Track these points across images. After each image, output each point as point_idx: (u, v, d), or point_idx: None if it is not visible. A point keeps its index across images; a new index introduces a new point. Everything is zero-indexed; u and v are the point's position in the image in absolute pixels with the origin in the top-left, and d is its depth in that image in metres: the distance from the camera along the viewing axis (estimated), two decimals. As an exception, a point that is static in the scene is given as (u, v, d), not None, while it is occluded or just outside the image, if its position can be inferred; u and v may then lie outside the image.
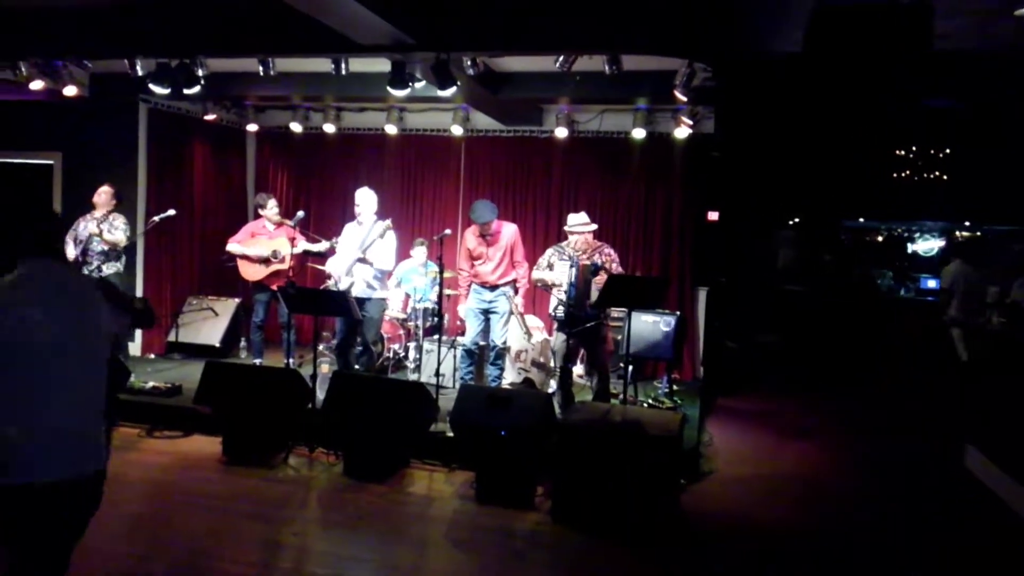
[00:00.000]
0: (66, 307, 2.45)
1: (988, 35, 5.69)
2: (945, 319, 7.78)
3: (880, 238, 14.12)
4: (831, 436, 7.10)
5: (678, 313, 7.15)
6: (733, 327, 9.37)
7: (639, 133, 7.90)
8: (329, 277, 6.83)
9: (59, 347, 2.40)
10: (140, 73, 6.43)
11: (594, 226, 6.37)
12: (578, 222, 6.30)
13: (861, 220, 13.65)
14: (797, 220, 13.15)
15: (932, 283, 12.34)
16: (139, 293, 8.05)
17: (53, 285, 2.46)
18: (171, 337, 8.25)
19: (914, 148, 11.32)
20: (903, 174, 11.49)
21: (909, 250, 13.77)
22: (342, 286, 6.49)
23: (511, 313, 6.81)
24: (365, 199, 6.70)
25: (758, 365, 9.62)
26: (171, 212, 7.29)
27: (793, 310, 11.55)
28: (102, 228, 6.88)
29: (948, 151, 11.24)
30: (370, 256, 6.45)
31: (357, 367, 6.68)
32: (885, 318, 11.25)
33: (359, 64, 6.44)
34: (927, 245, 13.68)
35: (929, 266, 13.14)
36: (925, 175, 11.43)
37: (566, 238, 6.42)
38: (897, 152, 11.45)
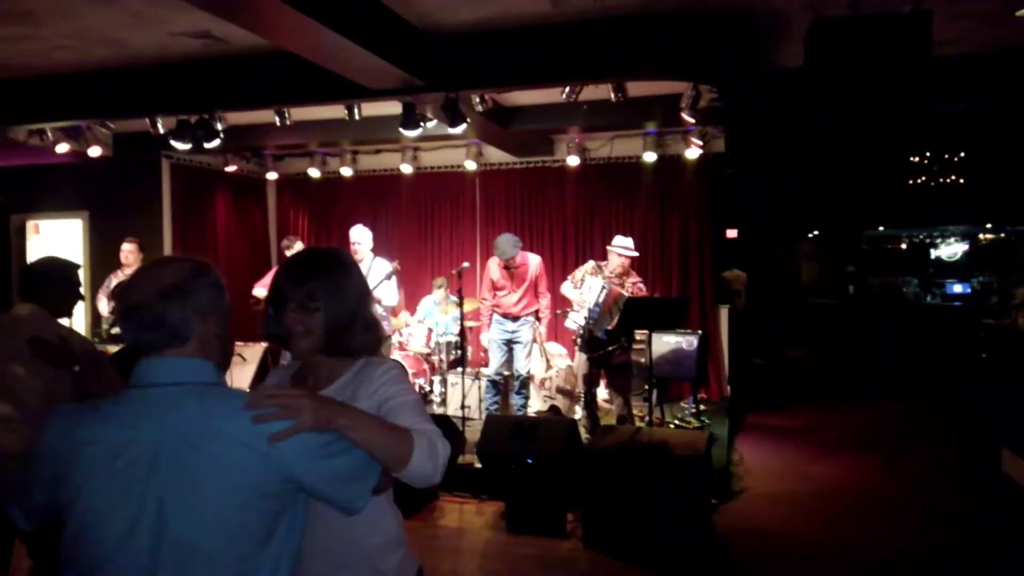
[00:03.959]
0: None
1: (991, 37, 5.73)
2: None
3: (903, 246, 13.99)
4: (864, 449, 7.02)
5: (700, 332, 7.14)
6: (758, 343, 9.33)
7: (650, 156, 7.97)
8: None
9: None
10: (161, 131, 6.64)
11: (635, 253, 6.47)
12: (623, 244, 6.38)
13: (881, 228, 13.55)
14: (816, 233, 13.09)
15: (958, 288, 12.18)
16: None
17: None
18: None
19: (928, 154, 11.28)
20: (919, 180, 11.45)
21: (932, 256, 13.61)
22: None
23: (534, 342, 6.86)
24: (364, 236, 6.75)
25: (786, 381, 9.55)
26: (197, 262, 7.44)
27: (819, 323, 11.47)
28: None
29: (963, 154, 11.18)
30: (377, 294, 6.51)
31: None
32: (913, 326, 11.13)
33: (372, 108, 6.60)
34: (950, 250, 13.52)
35: (953, 271, 12.99)
36: (941, 180, 11.37)
37: (601, 258, 6.51)
38: (912, 158, 11.41)
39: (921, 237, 13.77)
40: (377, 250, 7.02)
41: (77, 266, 3.34)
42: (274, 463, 1.36)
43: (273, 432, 1.34)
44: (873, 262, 13.28)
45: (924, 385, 9.79)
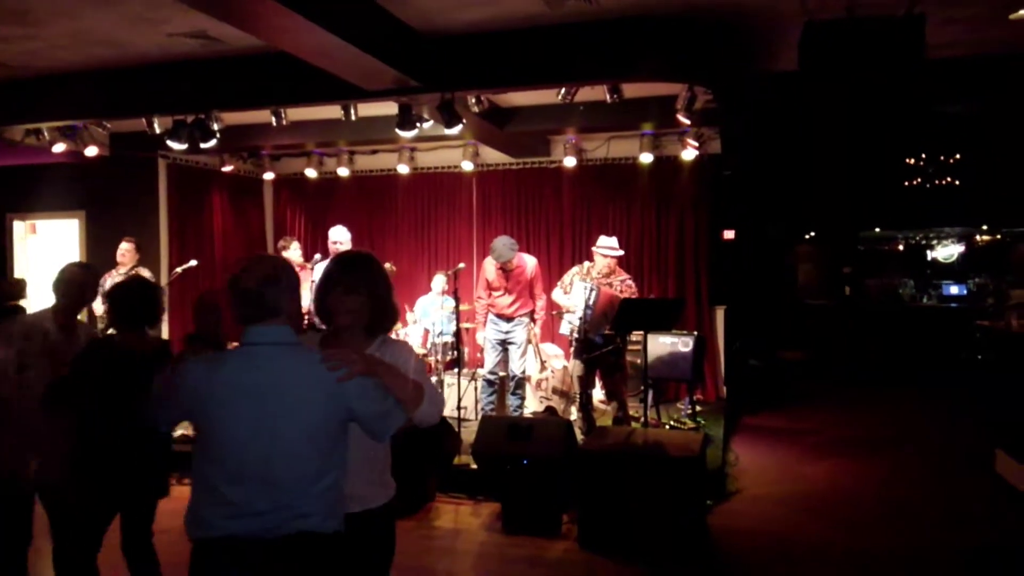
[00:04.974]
0: None
1: (985, 40, 5.75)
2: None
3: (900, 247, 14.03)
4: (859, 450, 7.04)
5: (696, 333, 7.16)
6: (755, 344, 9.35)
7: (646, 157, 7.98)
8: (308, 313, 6.73)
9: None
10: (158, 130, 6.65)
11: (620, 252, 6.53)
12: (607, 244, 6.43)
13: (877, 230, 13.59)
14: (813, 234, 13.13)
15: (954, 289, 12.21)
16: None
17: None
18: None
19: (923, 155, 11.32)
20: (915, 181, 11.48)
21: (929, 257, 13.64)
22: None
23: (528, 342, 6.87)
24: (344, 236, 6.75)
25: (782, 382, 9.56)
26: (193, 263, 7.45)
27: (815, 324, 11.50)
28: None
29: (959, 156, 11.22)
30: None
31: None
32: (909, 327, 11.16)
33: (368, 108, 6.61)
34: (946, 251, 13.55)
35: (950, 272, 13.02)
36: (937, 181, 11.41)
37: (591, 259, 6.54)
38: (907, 160, 11.45)
39: (917, 239, 13.80)
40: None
41: (77, 270, 3.50)
42: (341, 400, 2.08)
43: (339, 376, 2.04)
44: (869, 263, 13.31)
45: (919, 386, 9.81)
